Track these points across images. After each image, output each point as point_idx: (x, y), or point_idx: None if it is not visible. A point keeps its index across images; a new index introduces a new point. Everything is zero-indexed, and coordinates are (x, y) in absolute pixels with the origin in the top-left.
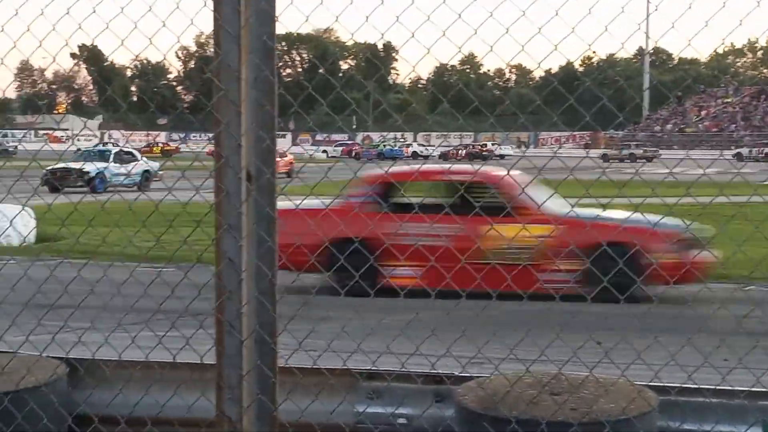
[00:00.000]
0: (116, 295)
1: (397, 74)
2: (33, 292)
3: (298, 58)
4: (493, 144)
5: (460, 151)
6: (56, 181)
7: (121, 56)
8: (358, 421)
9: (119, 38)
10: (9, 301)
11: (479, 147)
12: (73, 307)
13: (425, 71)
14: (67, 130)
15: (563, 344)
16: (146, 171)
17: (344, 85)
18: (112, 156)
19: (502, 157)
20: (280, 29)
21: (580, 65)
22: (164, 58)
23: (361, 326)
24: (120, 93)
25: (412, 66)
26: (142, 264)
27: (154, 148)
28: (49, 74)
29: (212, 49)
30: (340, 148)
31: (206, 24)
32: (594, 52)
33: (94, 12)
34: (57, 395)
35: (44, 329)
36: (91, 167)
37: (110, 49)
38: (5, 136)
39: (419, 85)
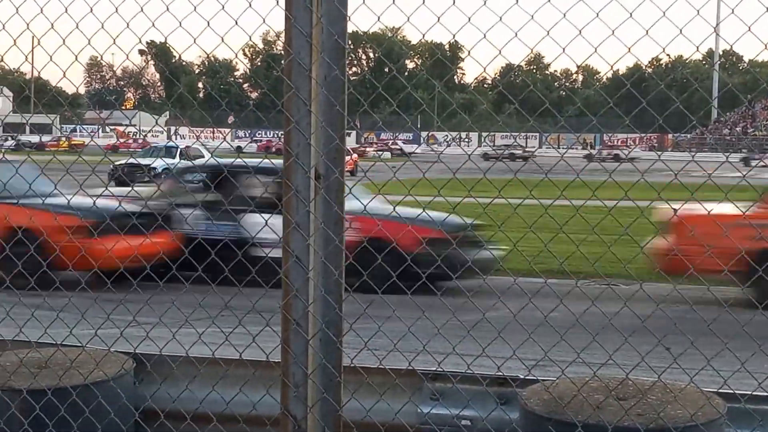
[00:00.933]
0: (185, 292)
1: (463, 74)
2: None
3: (363, 57)
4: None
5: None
6: (123, 177)
7: (188, 53)
8: (422, 422)
9: (191, 36)
10: (79, 295)
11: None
12: (142, 303)
13: (491, 71)
14: (134, 125)
15: (631, 348)
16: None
17: (410, 84)
18: (178, 152)
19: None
20: (350, 28)
21: (648, 66)
22: (236, 57)
23: (427, 327)
24: (187, 90)
25: (482, 66)
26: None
27: (62, 142)
28: (118, 70)
29: (280, 48)
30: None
31: (273, 21)
32: (668, 55)
33: (167, 10)
34: (124, 390)
35: (112, 324)
36: (158, 163)
37: (177, 45)
38: (74, 131)
39: (485, 85)
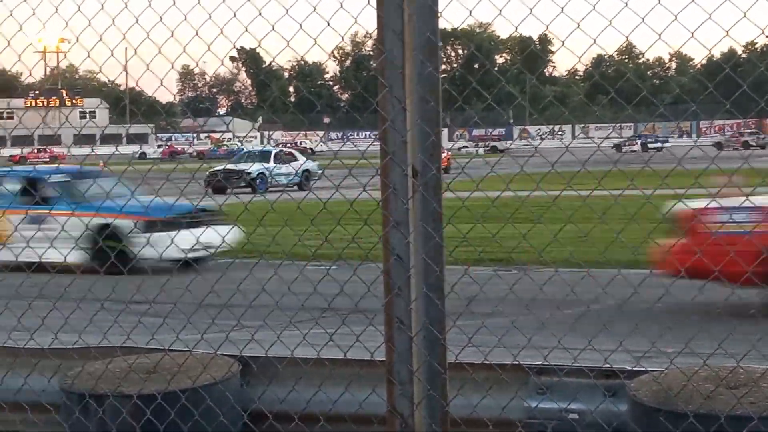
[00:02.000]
0: (287, 294)
1: (554, 66)
2: (206, 291)
3: (453, 54)
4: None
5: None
6: (219, 183)
7: (278, 58)
8: (529, 416)
9: (284, 39)
10: (183, 300)
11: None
12: (245, 306)
13: (581, 63)
14: (228, 132)
15: (740, 336)
16: (306, 170)
17: (499, 79)
18: (272, 156)
19: None
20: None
21: (743, 51)
22: (330, 57)
23: (531, 321)
24: (278, 94)
25: (577, 57)
26: (311, 263)
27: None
28: (209, 78)
29: (369, 49)
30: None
31: (362, 21)
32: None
33: (260, 15)
34: (231, 392)
35: (218, 328)
36: (253, 168)
37: (267, 50)
38: (170, 139)
39: (576, 77)
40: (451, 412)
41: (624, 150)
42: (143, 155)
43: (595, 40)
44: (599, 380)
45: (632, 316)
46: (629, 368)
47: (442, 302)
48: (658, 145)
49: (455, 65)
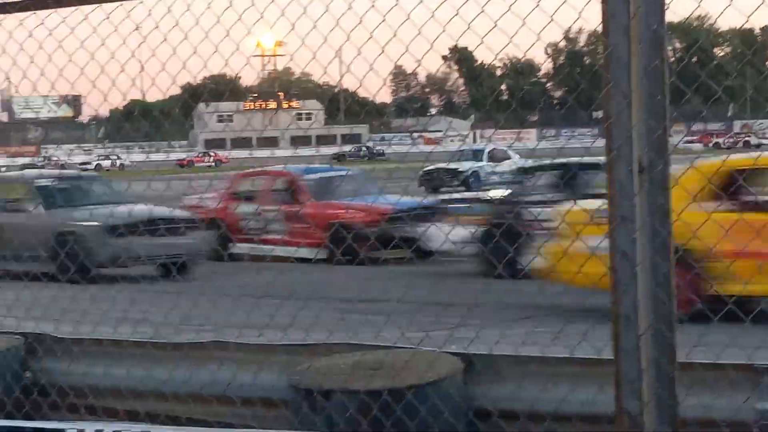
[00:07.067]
0: (511, 292)
1: None
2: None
3: (670, 48)
4: None
5: None
6: (431, 182)
7: (489, 56)
8: (762, 417)
9: (507, 34)
10: (407, 299)
11: None
12: (467, 305)
13: None
14: (439, 131)
15: None
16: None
17: (717, 72)
18: (485, 155)
19: None
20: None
21: None
22: (549, 55)
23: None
24: (489, 92)
25: None
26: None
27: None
28: (422, 78)
29: (581, 45)
30: None
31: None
32: None
33: (457, 14)
34: (456, 390)
35: (441, 326)
36: (465, 166)
37: (479, 48)
38: (383, 139)
39: None
40: (681, 411)
41: None
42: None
43: None
44: None
45: None
46: None
47: (670, 300)
48: None
49: (672, 59)
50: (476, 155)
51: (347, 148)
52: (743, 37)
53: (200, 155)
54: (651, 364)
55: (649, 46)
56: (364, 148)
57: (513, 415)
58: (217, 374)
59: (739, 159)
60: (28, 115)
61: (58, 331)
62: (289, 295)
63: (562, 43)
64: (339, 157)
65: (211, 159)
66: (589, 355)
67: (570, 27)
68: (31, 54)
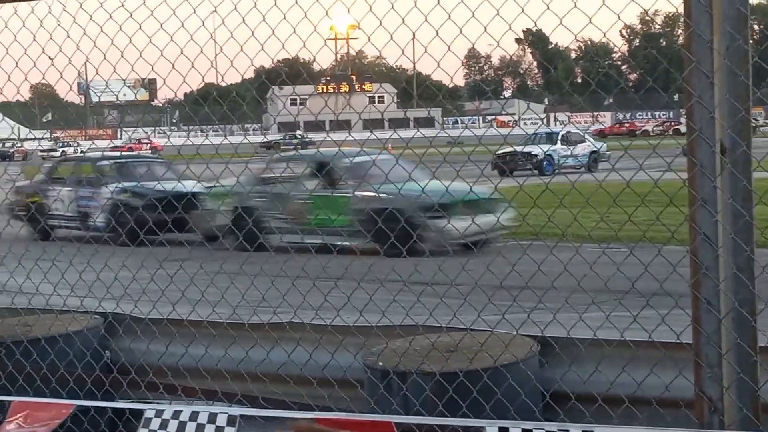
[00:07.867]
0: (587, 275)
1: None
2: (507, 272)
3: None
4: None
5: None
6: (505, 165)
7: (565, 38)
8: None
9: (586, 15)
10: (483, 281)
11: None
12: (545, 288)
13: None
14: (513, 114)
15: None
16: (594, 152)
17: None
18: (558, 138)
19: None
20: None
21: None
22: (625, 37)
23: None
24: (564, 75)
25: None
26: (609, 245)
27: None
28: (495, 60)
29: (657, 27)
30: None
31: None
32: None
33: None
34: (532, 372)
35: (518, 308)
36: (538, 150)
37: (555, 31)
38: (456, 122)
39: None
40: (762, 396)
41: None
42: None
43: None
44: None
45: None
46: None
47: (752, 283)
48: None
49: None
50: (550, 138)
51: (278, 136)
52: None
53: (136, 142)
54: (732, 348)
55: (732, 24)
56: (297, 137)
57: (591, 398)
58: (293, 355)
59: None
60: (105, 98)
61: (137, 311)
62: (362, 278)
63: (638, 26)
64: (270, 147)
65: (148, 146)
66: (669, 339)
67: (648, 9)
68: (111, 36)
